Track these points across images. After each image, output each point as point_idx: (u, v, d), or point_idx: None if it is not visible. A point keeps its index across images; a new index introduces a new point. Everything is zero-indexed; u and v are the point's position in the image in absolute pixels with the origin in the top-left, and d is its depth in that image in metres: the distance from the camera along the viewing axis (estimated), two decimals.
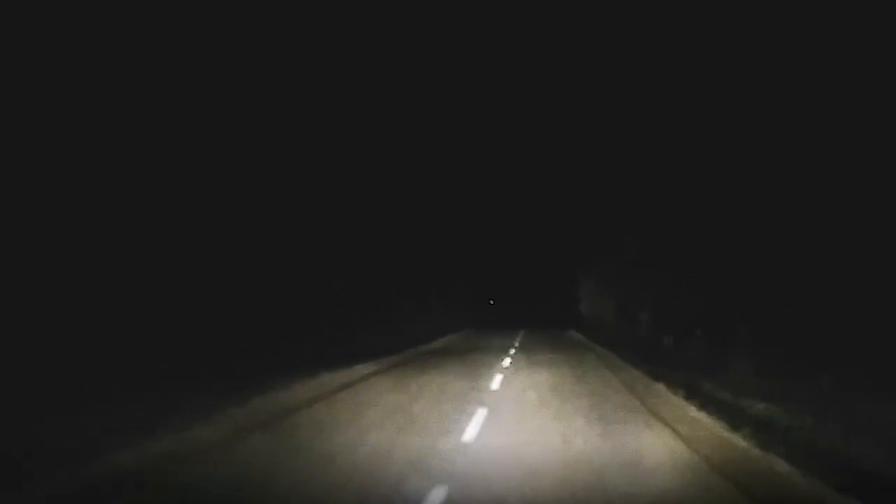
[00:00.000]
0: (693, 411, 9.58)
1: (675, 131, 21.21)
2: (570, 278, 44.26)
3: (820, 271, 14.35)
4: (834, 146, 14.49)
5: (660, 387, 12.52)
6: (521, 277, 51.82)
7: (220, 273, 17.60)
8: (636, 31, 24.52)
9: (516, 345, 27.39)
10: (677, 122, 20.93)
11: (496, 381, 14.00)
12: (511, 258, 50.69)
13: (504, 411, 9.86)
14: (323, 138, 23.32)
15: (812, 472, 5.46)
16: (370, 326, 24.65)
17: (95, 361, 11.69)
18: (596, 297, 41.89)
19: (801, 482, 5.43)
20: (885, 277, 12.72)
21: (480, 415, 9.34)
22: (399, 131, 29.45)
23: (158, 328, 14.49)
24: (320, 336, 20.42)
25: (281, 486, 5.54)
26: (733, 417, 8.35)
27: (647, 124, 23.49)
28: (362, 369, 15.54)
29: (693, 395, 10.61)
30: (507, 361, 19.28)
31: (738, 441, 7.30)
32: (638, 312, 28.69)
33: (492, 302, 51.72)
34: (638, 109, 24.11)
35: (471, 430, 8.16)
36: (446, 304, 41.83)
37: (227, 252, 17.91)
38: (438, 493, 5.23)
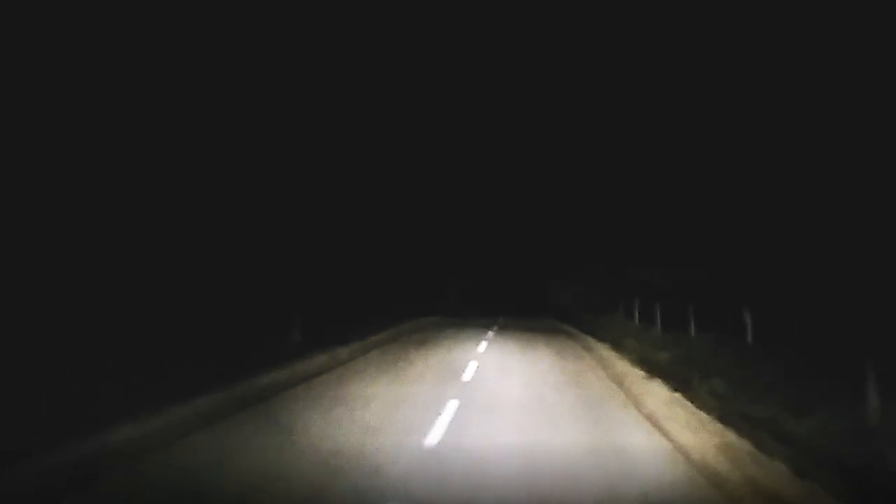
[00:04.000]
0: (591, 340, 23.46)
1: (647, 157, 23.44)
2: (543, 278, 62.11)
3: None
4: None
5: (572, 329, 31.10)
6: (502, 275, 67.47)
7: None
8: (623, 50, 27.70)
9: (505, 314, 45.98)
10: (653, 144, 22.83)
11: (501, 320, 33.70)
12: (495, 258, 65.16)
13: (504, 326, 29.09)
14: (331, 145, 24.20)
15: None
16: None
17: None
18: (560, 289, 60.89)
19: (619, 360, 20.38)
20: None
21: (499, 322, 29.05)
22: (389, 138, 30.98)
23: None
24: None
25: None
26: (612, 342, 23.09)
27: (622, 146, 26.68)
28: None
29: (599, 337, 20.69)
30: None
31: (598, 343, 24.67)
32: (584, 299, 46.58)
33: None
34: (616, 131, 27.36)
35: (499, 321, 28.31)
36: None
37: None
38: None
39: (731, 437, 6.67)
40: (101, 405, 6.61)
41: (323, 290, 21.82)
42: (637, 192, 25.94)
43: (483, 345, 18.41)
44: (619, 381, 11.83)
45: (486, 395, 9.82)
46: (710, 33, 17.49)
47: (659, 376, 11.07)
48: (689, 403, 8.65)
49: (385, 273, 32.07)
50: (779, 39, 15.38)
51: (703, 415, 7.83)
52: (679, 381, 10.36)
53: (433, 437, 6.84)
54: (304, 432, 7.00)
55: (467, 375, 11.96)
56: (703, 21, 18.00)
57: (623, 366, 13.42)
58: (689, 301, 17.18)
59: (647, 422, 8.26)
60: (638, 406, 9.38)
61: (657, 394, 9.80)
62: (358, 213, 27.31)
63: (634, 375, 11.79)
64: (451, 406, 8.63)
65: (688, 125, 20.08)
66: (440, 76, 38.82)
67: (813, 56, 14.51)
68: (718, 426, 7.11)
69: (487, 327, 26.27)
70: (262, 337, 14.46)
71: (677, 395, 9.36)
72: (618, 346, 16.63)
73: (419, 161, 34.27)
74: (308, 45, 22.22)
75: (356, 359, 14.41)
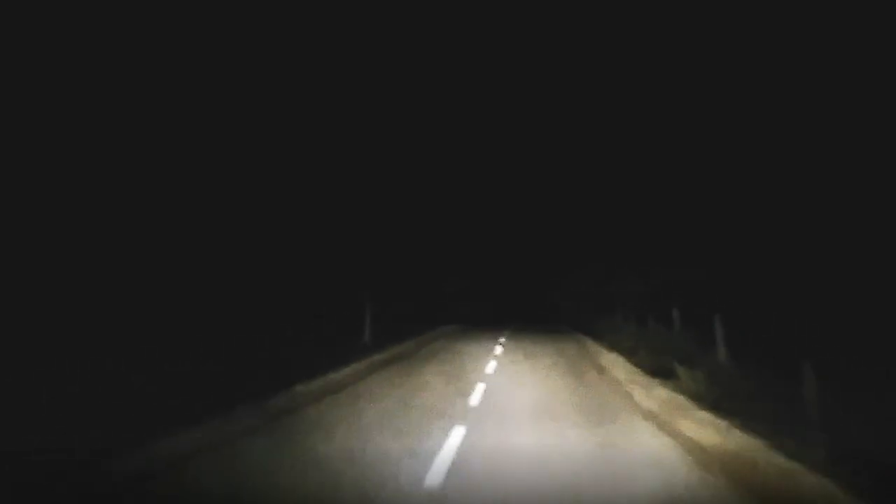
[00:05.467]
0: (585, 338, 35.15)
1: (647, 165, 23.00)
2: (551, 282, 67.51)
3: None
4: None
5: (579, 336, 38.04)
6: (513, 280, 71.61)
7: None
8: (622, 53, 27.02)
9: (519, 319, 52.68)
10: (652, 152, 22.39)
11: (512, 327, 40.44)
12: (507, 264, 64.58)
13: (516, 328, 35.98)
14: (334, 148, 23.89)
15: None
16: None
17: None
18: (568, 293, 67.31)
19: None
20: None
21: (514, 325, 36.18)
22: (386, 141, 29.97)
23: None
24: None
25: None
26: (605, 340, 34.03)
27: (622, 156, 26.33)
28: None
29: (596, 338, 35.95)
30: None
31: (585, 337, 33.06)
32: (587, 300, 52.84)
33: None
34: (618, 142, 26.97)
35: (512, 327, 35.16)
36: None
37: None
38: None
39: (636, 369, 13.60)
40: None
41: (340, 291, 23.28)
42: (639, 194, 25.96)
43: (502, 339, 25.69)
44: (592, 353, 18.84)
45: (511, 359, 16.67)
46: (711, 35, 17.39)
47: (615, 350, 17.98)
48: (623, 359, 15.57)
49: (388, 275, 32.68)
50: (778, 40, 15.25)
51: (628, 363, 14.81)
52: (628, 351, 17.24)
53: (490, 369, 13.91)
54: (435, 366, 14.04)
55: (497, 351, 18.88)
56: (703, 22, 18.06)
57: (597, 346, 20.47)
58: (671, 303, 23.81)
59: (597, 367, 15.17)
60: (595, 361, 16.29)
61: (609, 357, 16.73)
62: (365, 213, 27.33)
63: (601, 349, 18.82)
64: (492, 364, 15.54)
65: (692, 128, 19.74)
66: (442, 86, 39.54)
67: (812, 58, 14.41)
68: (634, 367, 14.04)
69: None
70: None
71: (620, 357, 16.28)
72: (599, 338, 23.58)
73: (422, 165, 34.85)
74: (310, 47, 22.01)
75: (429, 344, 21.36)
